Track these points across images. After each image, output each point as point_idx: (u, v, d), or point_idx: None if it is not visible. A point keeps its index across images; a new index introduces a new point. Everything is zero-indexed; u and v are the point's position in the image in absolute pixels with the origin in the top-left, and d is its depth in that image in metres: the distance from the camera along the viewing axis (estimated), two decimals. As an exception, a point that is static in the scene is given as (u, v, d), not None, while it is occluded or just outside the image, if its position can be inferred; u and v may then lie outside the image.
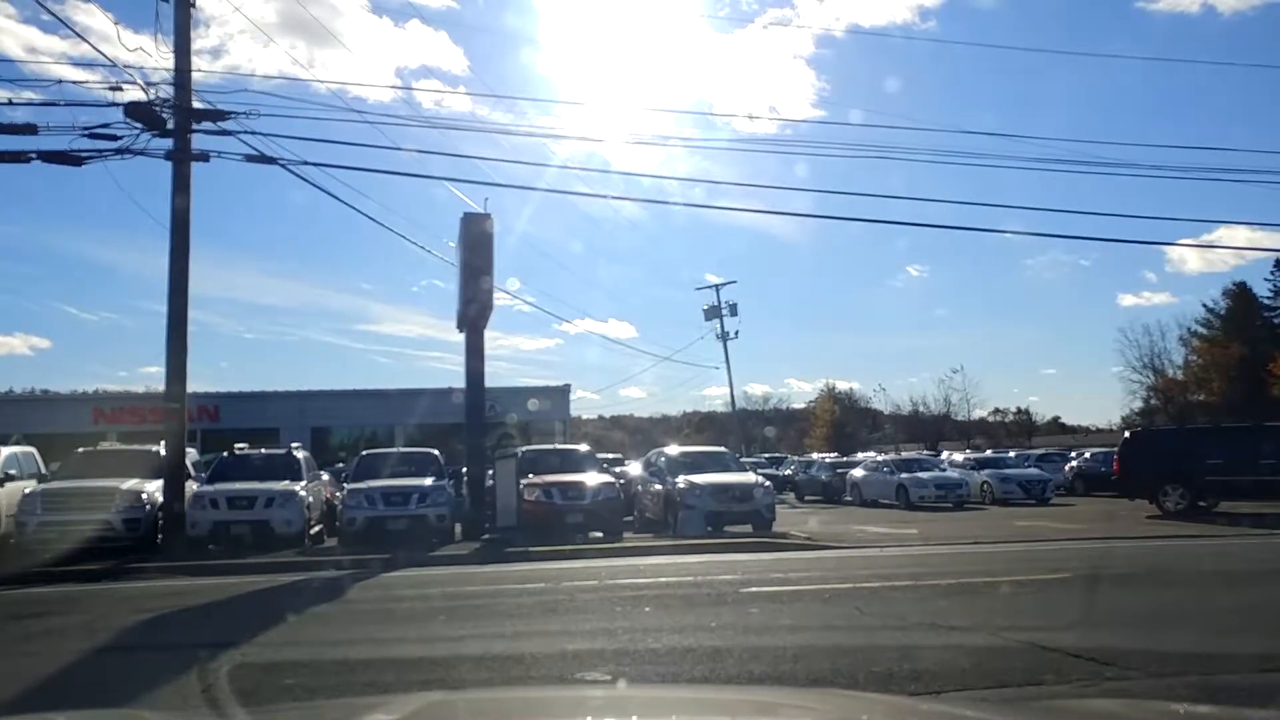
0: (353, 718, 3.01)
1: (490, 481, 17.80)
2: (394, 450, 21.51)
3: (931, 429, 72.26)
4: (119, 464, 17.09)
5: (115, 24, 17.75)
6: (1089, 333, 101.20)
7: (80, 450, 18.08)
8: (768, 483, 18.83)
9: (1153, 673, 5.73)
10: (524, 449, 19.70)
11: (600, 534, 16.99)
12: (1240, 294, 61.92)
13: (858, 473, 30.59)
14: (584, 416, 79.22)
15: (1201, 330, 61.87)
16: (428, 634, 7.70)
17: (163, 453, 16.40)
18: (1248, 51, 77.60)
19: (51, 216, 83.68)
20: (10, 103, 14.76)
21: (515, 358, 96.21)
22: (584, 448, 21.42)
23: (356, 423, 38.99)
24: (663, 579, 11.01)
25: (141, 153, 15.65)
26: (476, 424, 18.90)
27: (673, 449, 21.62)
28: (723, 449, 23.34)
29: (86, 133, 15.47)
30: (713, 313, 53.61)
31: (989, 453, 39.05)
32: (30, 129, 15.42)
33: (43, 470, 18.38)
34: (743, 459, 28.82)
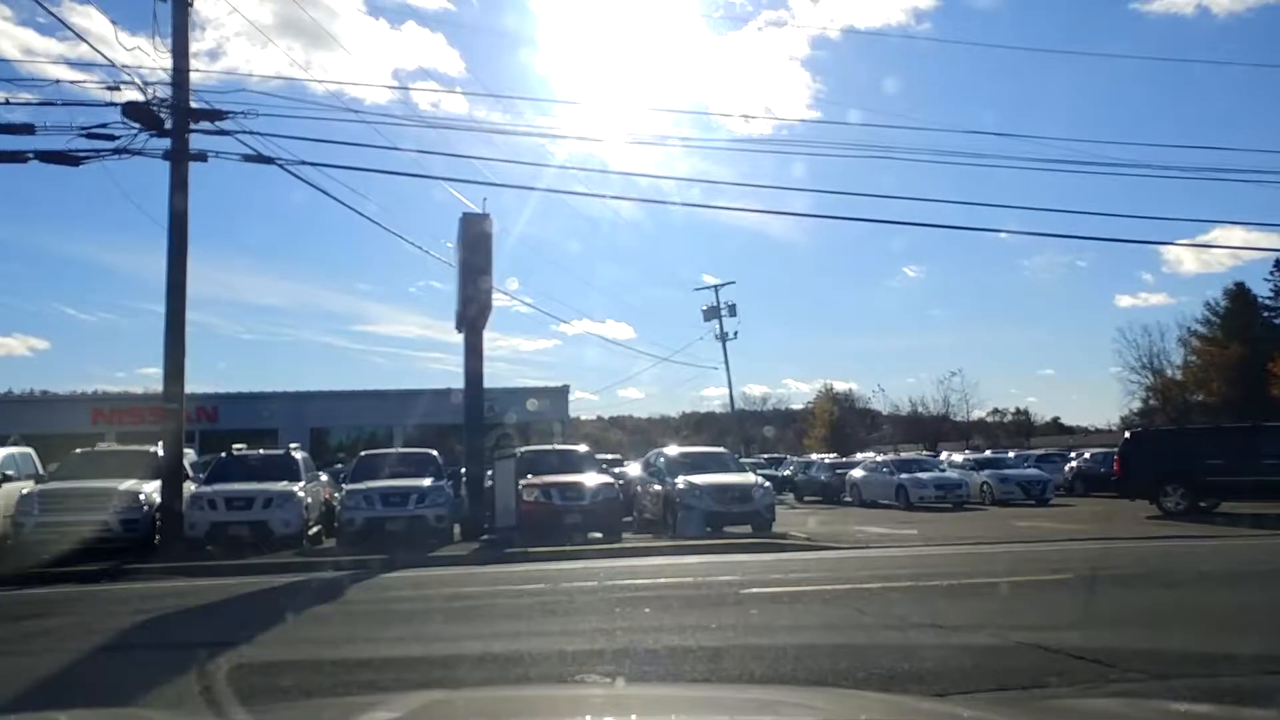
0: (352, 717, 3.01)
1: (489, 482, 17.77)
2: (392, 451, 21.46)
3: (930, 429, 72.30)
4: (117, 465, 17.04)
5: (113, 24, 17.71)
6: (1086, 334, 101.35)
7: (78, 451, 18.03)
8: (767, 483, 18.79)
9: (1156, 674, 5.70)
10: (523, 449, 19.64)
11: (599, 534, 16.95)
12: (1239, 294, 61.93)
13: (857, 473, 30.56)
14: (583, 417, 79.22)
15: (1201, 330, 61.86)
16: (426, 634, 7.67)
17: (160, 454, 16.40)
18: (1242, 52, 77.63)
19: (50, 218, 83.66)
20: (7, 102, 14.74)
21: (514, 358, 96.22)
22: (583, 448, 21.39)
23: (355, 423, 38.95)
24: (662, 580, 10.98)
25: (139, 153, 15.63)
26: (475, 424, 18.86)
27: (672, 449, 21.60)
28: (722, 449, 23.31)
29: (84, 133, 15.44)
30: (712, 313, 53.57)
31: (988, 453, 39.03)
32: (28, 129, 15.40)
33: (40, 471, 18.33)
34: (741, 459, 28.81)
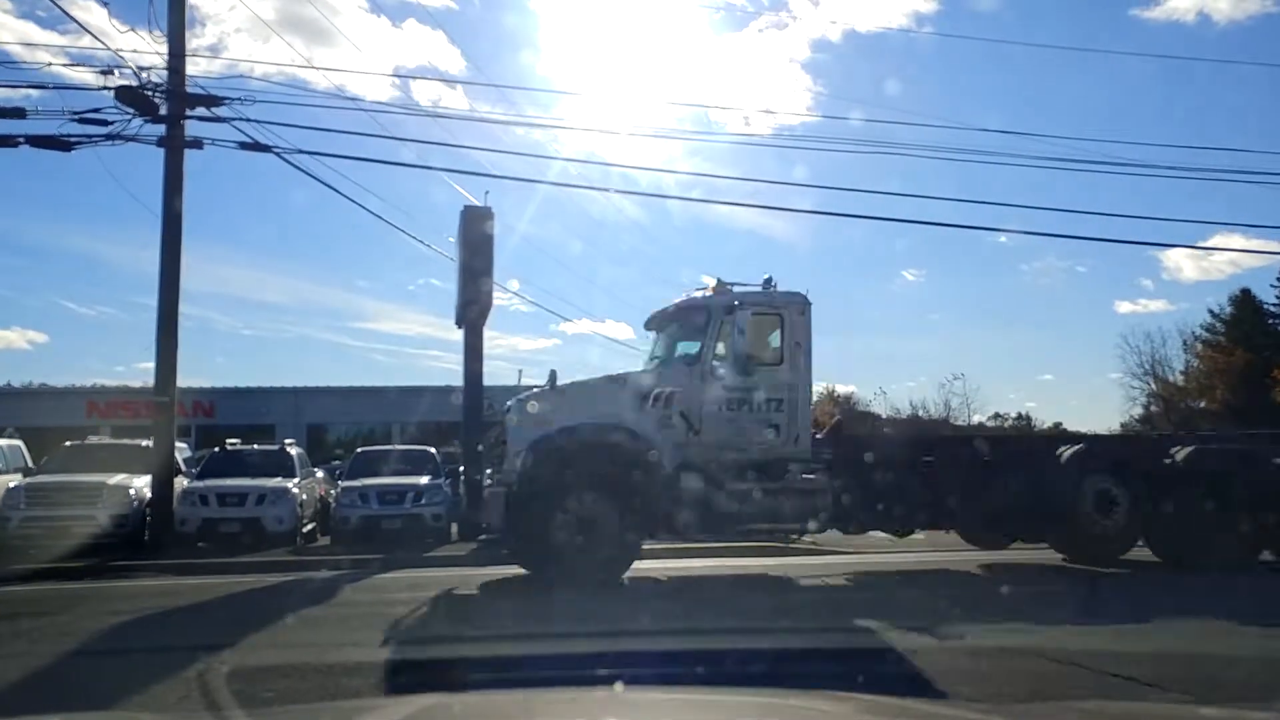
0: None
1: (487, 481, 17.37)
2: (389, 448, 21.06)
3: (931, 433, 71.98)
4: (108, 459, 16.64)
5: (104, 5, 17.32)
6: (1086, 339, 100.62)
7: (67, 444, 17.64)
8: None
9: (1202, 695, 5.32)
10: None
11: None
12: (1245, 300, 61.50)
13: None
14: (583, 417, 78.57)
15: (1206, 336, 61.44)
16: (421, 637, 7.29)
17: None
18: (1245, 58, 77.21)
19: (49, 211, 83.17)
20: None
21: (513, 357, 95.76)
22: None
23: (354, 420, 38.59)
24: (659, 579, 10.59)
25: (133, 139, 15.24)
26: (474, 422, 18.46)
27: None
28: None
29: (76, 117, 15.06)
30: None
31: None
32: (19, 113, 15.03)
33: (29, 464, 17.95)
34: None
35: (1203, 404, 57.93)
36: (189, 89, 15.61)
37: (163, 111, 15.32)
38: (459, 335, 18.66)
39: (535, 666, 6.18)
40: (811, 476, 11.46)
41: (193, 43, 15.50)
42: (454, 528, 16.76)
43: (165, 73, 15.39)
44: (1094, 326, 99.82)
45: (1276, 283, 60.96)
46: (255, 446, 18.74)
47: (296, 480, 16.46)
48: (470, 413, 18.49)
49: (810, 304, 11.93)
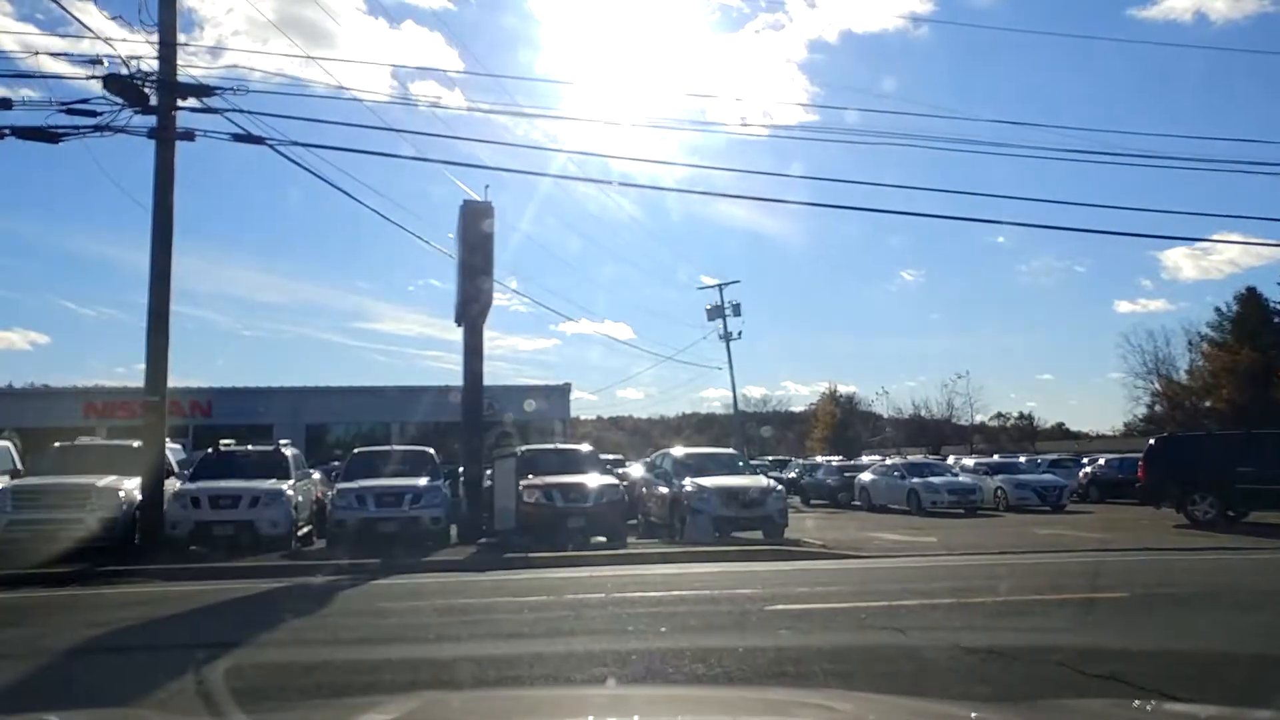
0: (349, 718, 2.95)
1: (488, 482, 16.94)
2: (387, 448, 20.55)
3: (933, 433, 71.37)
4: (99, 460, 16.16)
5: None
6: (1085, 339, 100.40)
7: (57, 445, 17.17)
8: (780, 487, 17.95)
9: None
10: (524, 448, 18.79)
11: (603, 539, 16.11)
12: (1250, 298, 61.00)
13: (866, 476, 29.72)
14: (582, 417, 78.27)
15: (1211, 335, 60.94)
16: (416, 654, 6.83)
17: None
18: (1240, 57, 76.69)
19: (51, 213, 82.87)
20: (-18, 74, 13.85)
21: (513, 358, 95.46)
22: (586, 447, 20.48)
23: (353, 420, 38.11)
24: (676, 592, 10.12)
25: (123, 130, 14.80)
26: (474, 422, 18.05)
27: (678, 450, 20.70)
28: (731, 450, 22.37)
29: (64, 108, 14.64)
30: (715, 312, 52.77)
31: (996, 457, 38.13)
32: (4, 104, 14.59)
33: (19, 466, 17.50)
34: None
35: (1208, 403, 57.47)
36: (181, 70, 15.16)
37: (153, 102, 14.87)
38: (458, 335, 18.29)
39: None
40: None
41: (192, 43, 15.03)
42: (453, 530, 16.31)
43: (156, 63, 14.96)
44: (1093, 326, 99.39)
45: (1283, 281, 60.34)
46: (249, 447, 18.26)
47: (291, 482, 16.00)
48: (470, 413, 18.07)
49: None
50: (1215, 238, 79.10)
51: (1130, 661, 6.10)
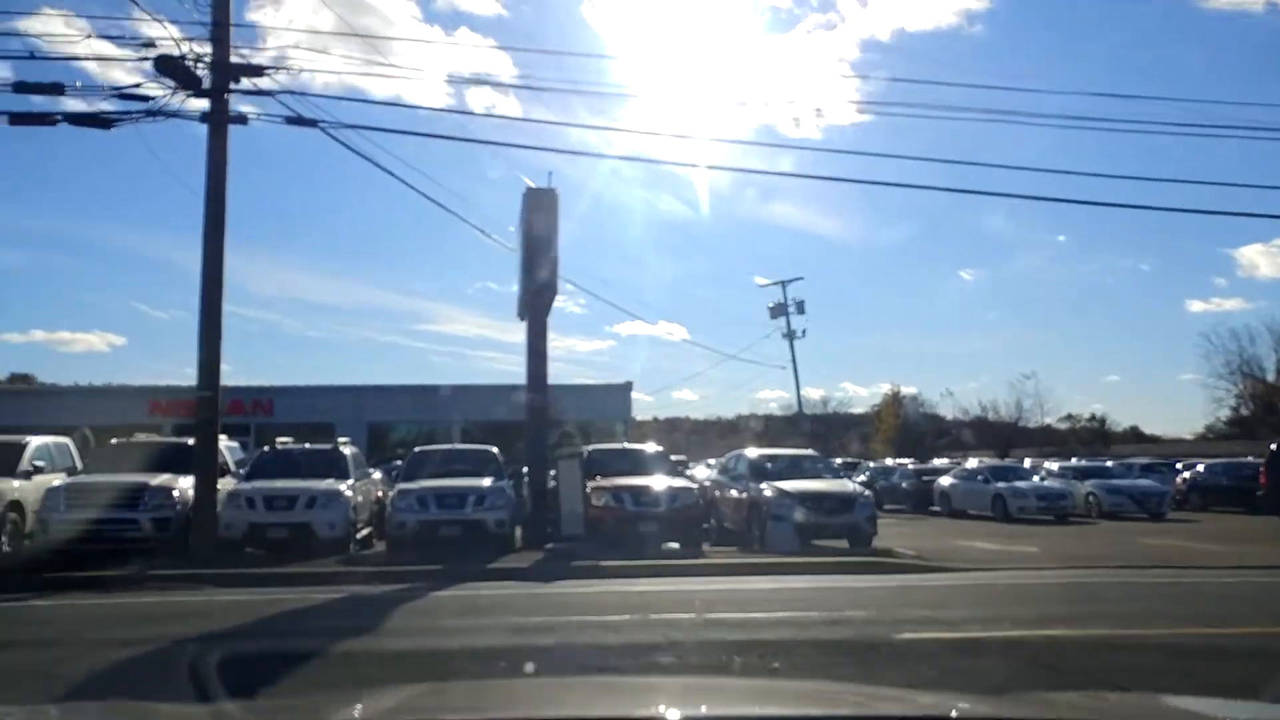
0: (350, 705, 2.84)
1: (552, 483, 16.00)
2: (449, 447, 19.72)
3: (1001, 435, 68.85)
4: (154, 458, 15.60)
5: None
6: (1154, 339, 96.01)
7: (113, 442, 16.67)
8: (867, 492, 16.73)
9: None
10: (589, 448, 17.81)
11: (675, 545, 15.07)
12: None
13: (946, 481, 28.22)
14: (637, 418, 77.20)
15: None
16: (485, 697, 5.82)
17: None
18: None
19: (127, 219, 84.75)
20: (33, 55, 13.32)
21: (569, 358, 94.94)
22: (655, 447, 19.42)
23: (416, 419, 37.62)
24: (777, 613, 8.96)
25: (175, 114, 14.19)
26: (539, 421, 17.15)
27: (753, 451, 19.51)
28: (812, 452, 21.10)
29: (116, 93, 14.09)
30: (778, 310, 51.37)
31: (1076, 461, 36.13)
32: (57, 89, 14.04)
33: (77, 464, 17.04)
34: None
35: (1303, 403, 54.46)
36: (234, 61, 14.49)
37: (205, 85, 14.21)
38: (515, 335, 17.45)
39: None
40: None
41: (243, 47, 14.30)
42: (518, 533, 15.41)
43: (209, 43, 14.30)
44: (1163, 326, 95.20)
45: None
46: (306, 445, 17.57)
47: (350, 482, 15.24)
48: (535, 412, 17.21)
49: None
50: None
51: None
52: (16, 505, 14.67)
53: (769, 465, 17.61)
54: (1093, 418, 76.31)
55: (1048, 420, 71.69)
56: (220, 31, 14.36)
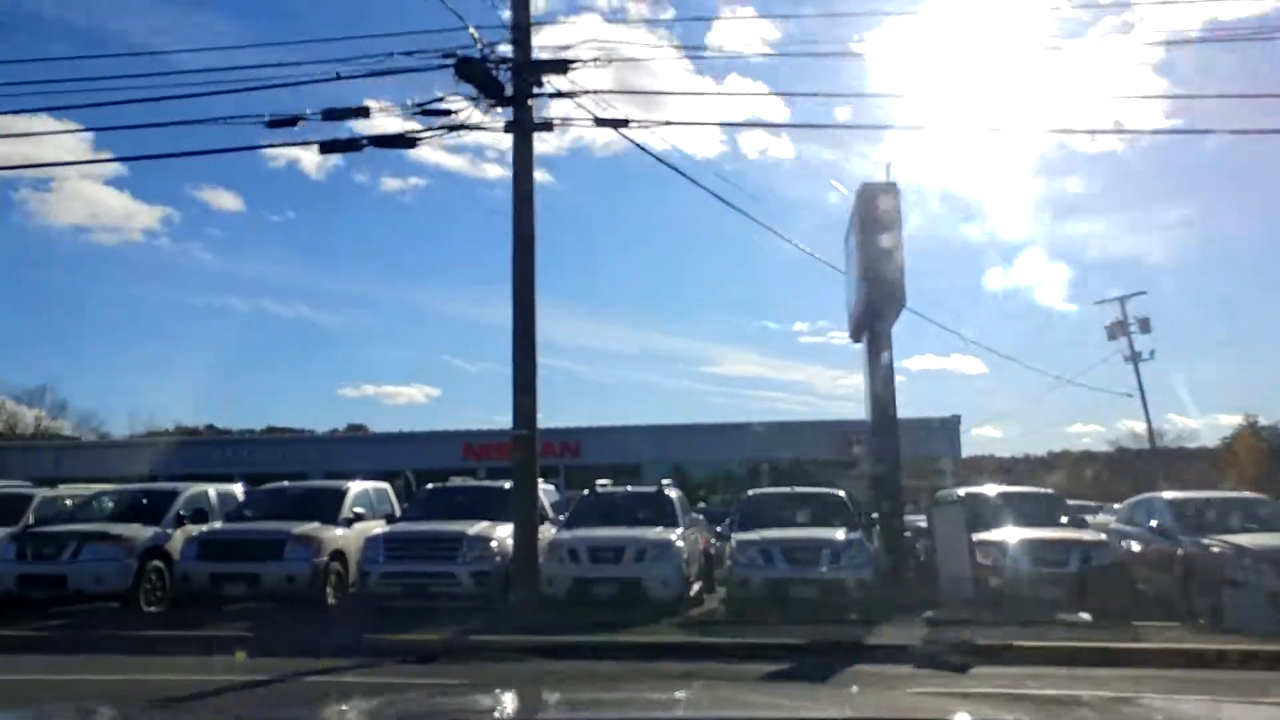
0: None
1: (914, 537, 12.98)
2: (790, 490, 17.17)
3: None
4: (468, 503, 14.42)
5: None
6: None
7: (429, 487, 15.72)
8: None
9: None
10: (965, 491, 14.59)
11: (1086, 616, 11.50)
12: None
13: None
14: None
15: None
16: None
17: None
18: None
19: (443, 282, 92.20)
20: (339, 76, 12.61)
21: (836, 394, 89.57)
22: (1046, 490, 15.73)
23: (718, 458, 35.81)
24: None
25: (477, 127, 12.99)
26: (892, 456, 14.26)
27: (1170, 494, 15.18)
28: (1260, 496, 16.29)
29: (419, 109, 13.09)
30: (1116, 330, 44.61)
31: None
32: (363, 113, 13.29)
33: (395, 510, 16.33)
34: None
35: None
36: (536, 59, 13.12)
37: (508, 93, 12.87)
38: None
39: None
40: None
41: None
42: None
43: (510, 45, 12.99)
44: None
45: None
46: (629, 488, 15.75)
47: (680, 530, 13.13)
48: (886, 445, 14.36)
49: None
50: None
51: None
52: (339, 554, 13.90)
53: (1201, 513, 13.42)
54: None
55: None
56: (520, 34, 13.01)
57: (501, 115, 12.89)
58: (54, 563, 13.40)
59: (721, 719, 2.67)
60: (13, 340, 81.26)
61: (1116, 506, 16.05)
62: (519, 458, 12.77)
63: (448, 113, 12.86)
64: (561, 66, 12.78)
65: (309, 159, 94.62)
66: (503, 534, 12.96)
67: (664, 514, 13.49)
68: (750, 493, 15.54)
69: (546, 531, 13.61)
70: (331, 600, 13.47)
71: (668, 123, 13.56)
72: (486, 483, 16.19)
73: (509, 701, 3.08)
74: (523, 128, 12.96)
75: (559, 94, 13.12)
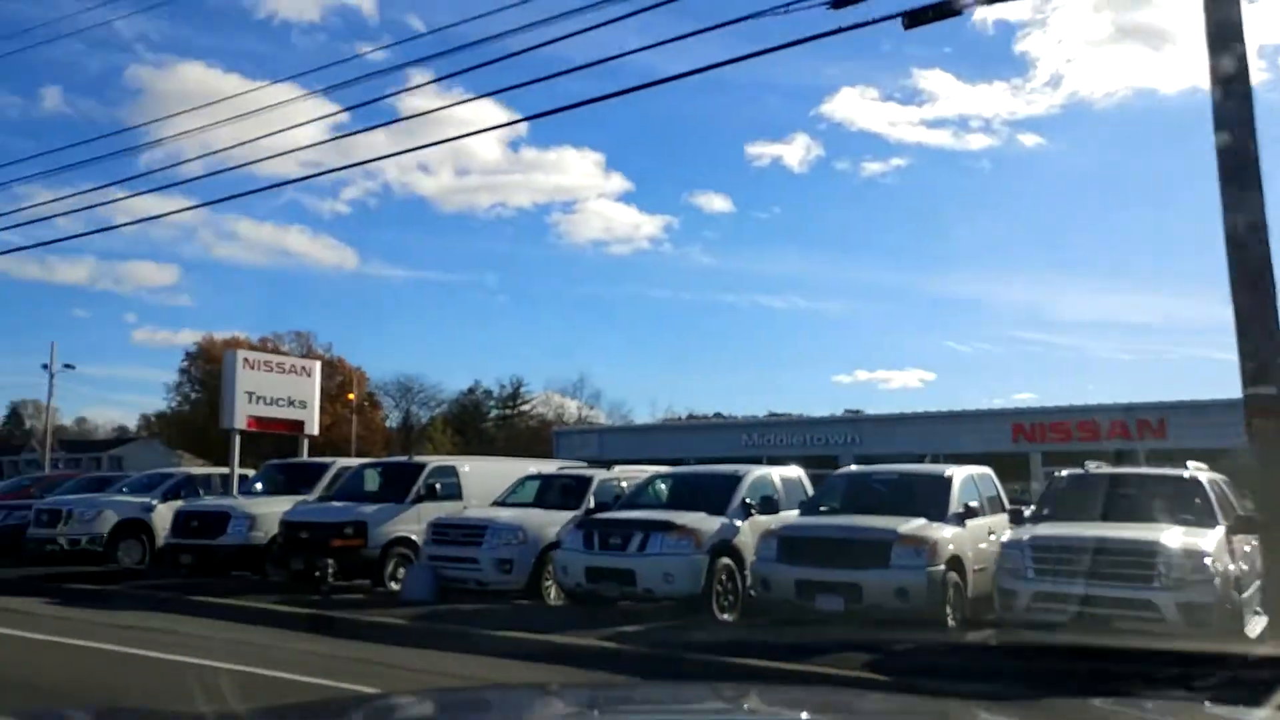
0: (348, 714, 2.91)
1: None
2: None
3: None
4: (1141, 500, 9.96)
5: None
6: None
7: (1064, 474, 11.33)
8: None
9: None
10: None
11: None
12: None
13: None
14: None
15: None
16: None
17: (1208, 486, 9.10)
18: None
19: (924, 263, 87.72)
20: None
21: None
22: None
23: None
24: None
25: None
26: None
27: None
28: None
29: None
30: None
31: None
32: None
33: (1004, 501, 12.38)
34: None
35: None
36: None
37: None
38: None
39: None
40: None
41: None
42: None
43: None
44: None
45: None
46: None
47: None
48: None
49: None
50: None
51: None
52: (956, 562, 10.27)
53: None
54: None
55: None
56: None
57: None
58: (622, 554, 11.56)
59: None
60: (554, 341, 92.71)
61: None
62: (1265, 427, 7.96)
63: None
64: None
65: (791, 155, 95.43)
66: (1210, 545, 8.33)
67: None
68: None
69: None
70: (951, 621, 9.94)
71: None
72: (1168, 470, 11.20)
73: None
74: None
75: None
